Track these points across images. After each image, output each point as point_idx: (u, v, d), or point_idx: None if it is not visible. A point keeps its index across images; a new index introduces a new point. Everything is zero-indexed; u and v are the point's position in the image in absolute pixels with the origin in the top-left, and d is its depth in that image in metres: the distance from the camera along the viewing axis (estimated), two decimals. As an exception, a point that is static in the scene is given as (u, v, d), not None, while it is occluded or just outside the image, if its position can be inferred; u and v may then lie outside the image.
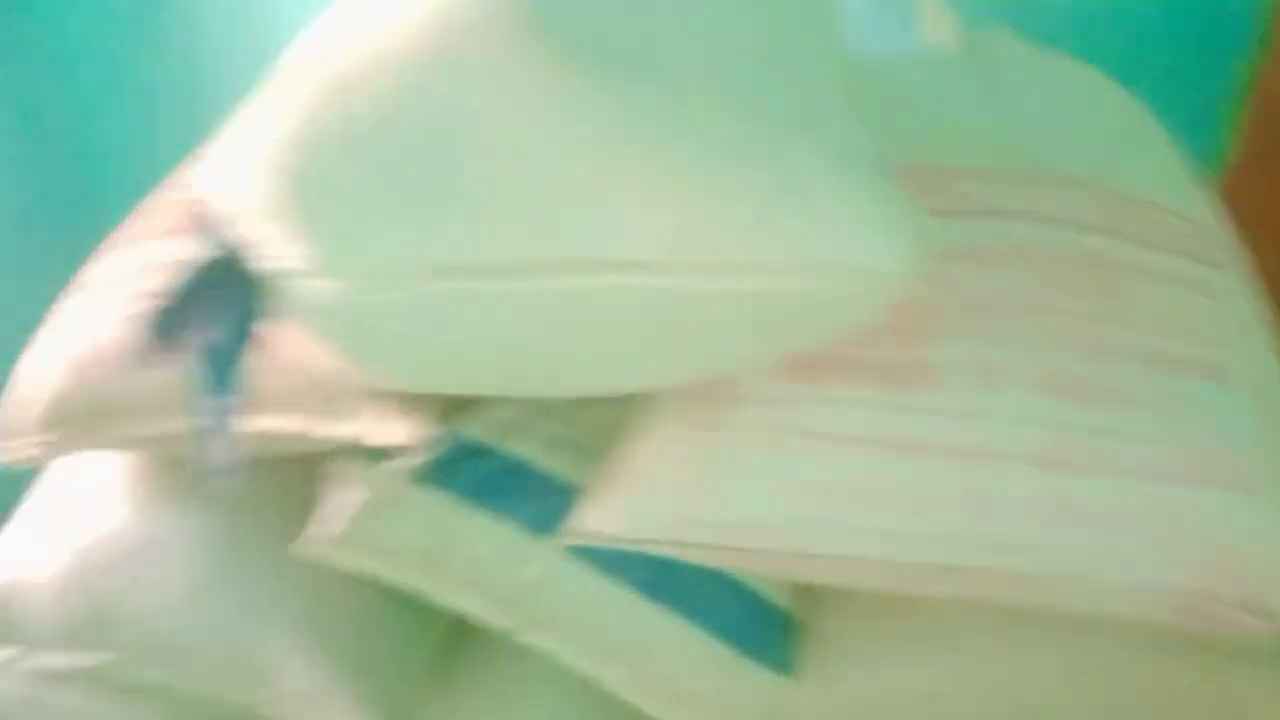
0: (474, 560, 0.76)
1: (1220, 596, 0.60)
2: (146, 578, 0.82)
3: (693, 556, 0.70)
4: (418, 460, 0.73)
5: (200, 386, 0.63)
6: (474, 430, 0.76)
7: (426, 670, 0.85)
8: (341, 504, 0.76)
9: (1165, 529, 0.59)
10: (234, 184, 0.62)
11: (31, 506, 0.93)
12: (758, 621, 0.77)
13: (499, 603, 0.77)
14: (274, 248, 0.60)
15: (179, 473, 0.86)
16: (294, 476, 0.84)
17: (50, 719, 0.98)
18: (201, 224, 0.65)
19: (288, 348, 0.70)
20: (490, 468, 0.76)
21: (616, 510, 0.68)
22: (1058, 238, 0.68)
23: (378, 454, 0.76)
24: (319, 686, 0.78)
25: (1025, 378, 0.62)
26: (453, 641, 0.89)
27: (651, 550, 0.69)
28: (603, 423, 0.79)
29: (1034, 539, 0.61)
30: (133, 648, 0.83)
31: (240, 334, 0.61)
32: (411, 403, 0.70)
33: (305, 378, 0.71)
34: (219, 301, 0.62)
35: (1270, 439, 0.63)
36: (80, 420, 0.81)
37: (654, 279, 0.55)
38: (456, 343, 0.61)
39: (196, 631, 0.81)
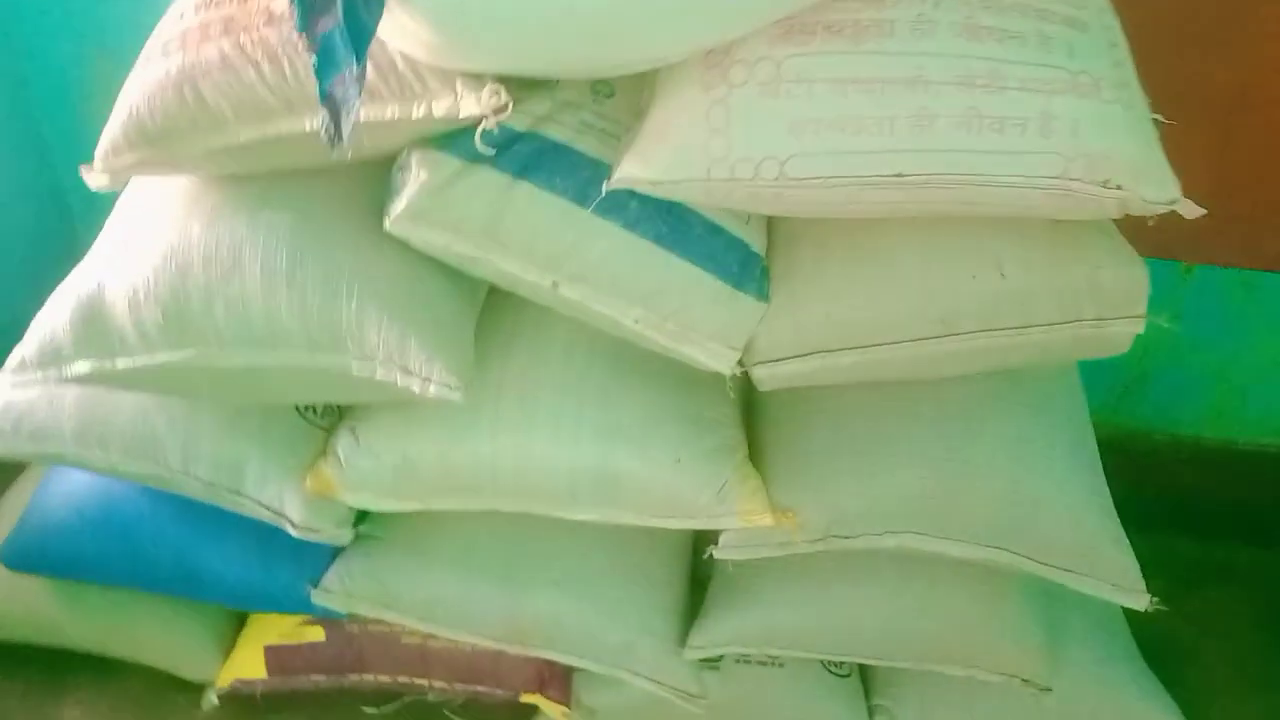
0: (522, 227, 0.95)
1: (1082, 177, 0.85)
2: (227, 273, 0.96)
3: (714, 194, 0.90)
4: (493, 135, 0.88)
5: (329, 62, 0.77)
6: (514, 121, 0.93)
7: (472, 331, 1.04)
8: (408, 185, 0.93)
9: (1049, 127, 0.84)
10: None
11: (108, 234, 1.04)
12: (744, 264, 0.99)
13: (542, 264, 0.97)
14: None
15: (245, 185, 1.00)
16: (347, 179, 1.00)
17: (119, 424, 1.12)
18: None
19: (378, 41, 0.84)
20: (533, 148, 0.93)
21: (653, 158, 0.88)
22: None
23: (442, 144, 0.93)
24: (395, 342, 0.95)
25: (950, 26, 0.84)
26: (486, 321, 1.09)
27: (681, 191, 0.89)
28: (617, 113, 0.97)
29: (958, 144, 0.84)
30: (218, 338, 0.97)
31: (363, 13, 0.76)
32: (483, 81, 0.86)
33: (398, 68, 0.86)
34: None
35: (1115, 68, 0.88)
36: (156, 140, 0.93)
37: None
38: (539, 13, 0.78)
39: (281, 309, 0.96)
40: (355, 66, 0.79)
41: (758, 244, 1.01)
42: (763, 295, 0.99)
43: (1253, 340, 1.79)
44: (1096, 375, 1.34)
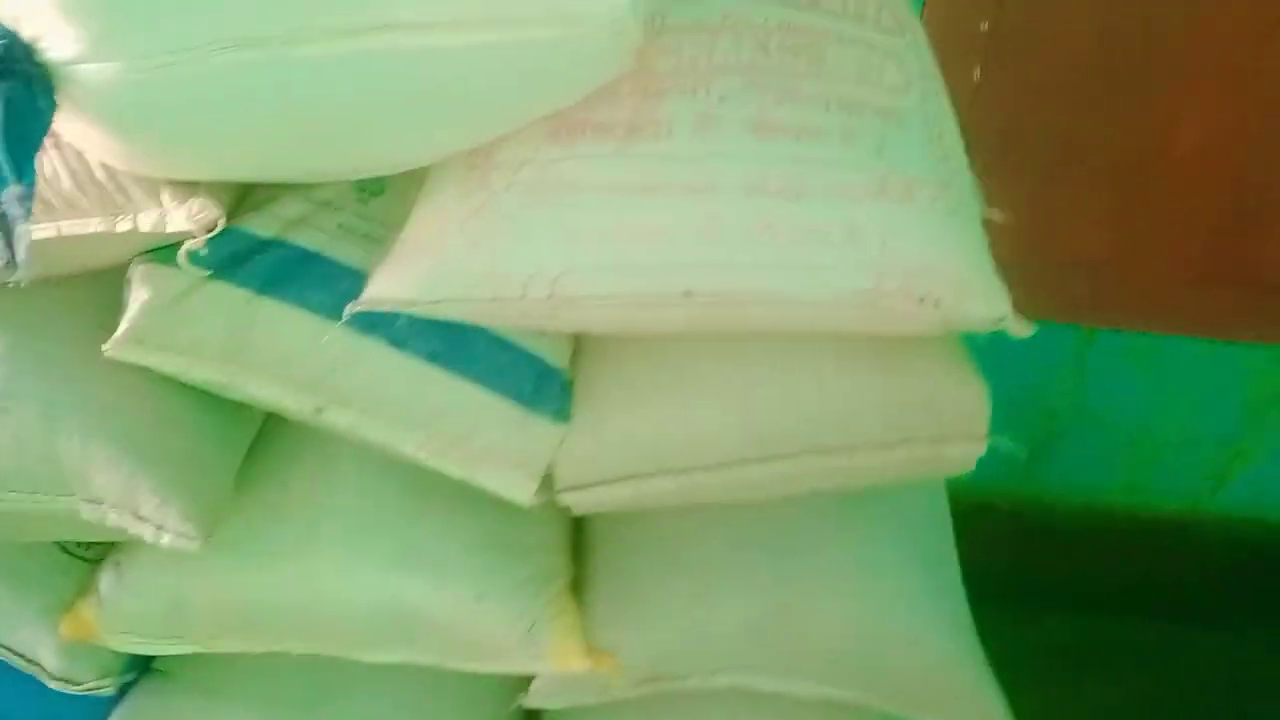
0: (271, 349, 0.82)
1: (897, 293, 0.74)
2: None
3: (479, 313, 0.78)
4: (203, 254, 0.76)
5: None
6: (257, 226, 0.81)
7: (237, 468, 0.91)
8: (133, 304, 0.80)
9: (855, 238, 0.73)
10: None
11: None
12: (540, 381, 0.87)
13: (300, 388, 0.84)
14: (46, 34, 0.63)
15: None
16: (83, 291, 0.87)
17: None
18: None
19: (74, 150, 0.72)
20: (278, 259, 0.81)
21: (406, 275, 0.76)
22: (765, 11, 0.80)
23: (169, 257, 0.80)
24: (124, 484, 0.83)
25: (738, 124, 0.73)
26: (266, 441, 0.96)
27: (443, 311, 0.77)
28: (386, 214, 0.85)
29: (753, 258, 0.73)
30: None
31: (24, 124, 0.64)
32: (201, 189, 0.74)
33: (97, 177, 0.74)
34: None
35: (936, 166, 0.78)
36: None
37: (413, 38, 0.62)
38: (231, 120, 0.66)
39: None
40: (21, 182, 0.66)
41: (556, 357, 0.89)
42: (562, 416, 0.87)
43: (1159, 404, 1.73)
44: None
